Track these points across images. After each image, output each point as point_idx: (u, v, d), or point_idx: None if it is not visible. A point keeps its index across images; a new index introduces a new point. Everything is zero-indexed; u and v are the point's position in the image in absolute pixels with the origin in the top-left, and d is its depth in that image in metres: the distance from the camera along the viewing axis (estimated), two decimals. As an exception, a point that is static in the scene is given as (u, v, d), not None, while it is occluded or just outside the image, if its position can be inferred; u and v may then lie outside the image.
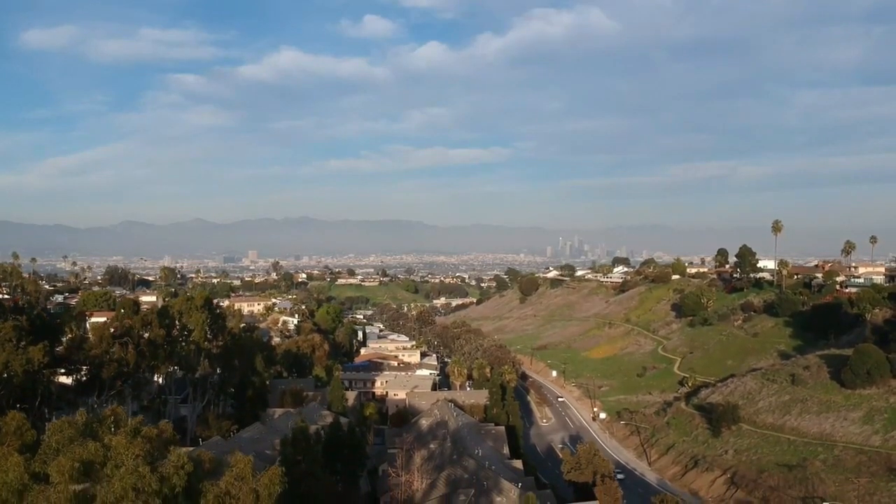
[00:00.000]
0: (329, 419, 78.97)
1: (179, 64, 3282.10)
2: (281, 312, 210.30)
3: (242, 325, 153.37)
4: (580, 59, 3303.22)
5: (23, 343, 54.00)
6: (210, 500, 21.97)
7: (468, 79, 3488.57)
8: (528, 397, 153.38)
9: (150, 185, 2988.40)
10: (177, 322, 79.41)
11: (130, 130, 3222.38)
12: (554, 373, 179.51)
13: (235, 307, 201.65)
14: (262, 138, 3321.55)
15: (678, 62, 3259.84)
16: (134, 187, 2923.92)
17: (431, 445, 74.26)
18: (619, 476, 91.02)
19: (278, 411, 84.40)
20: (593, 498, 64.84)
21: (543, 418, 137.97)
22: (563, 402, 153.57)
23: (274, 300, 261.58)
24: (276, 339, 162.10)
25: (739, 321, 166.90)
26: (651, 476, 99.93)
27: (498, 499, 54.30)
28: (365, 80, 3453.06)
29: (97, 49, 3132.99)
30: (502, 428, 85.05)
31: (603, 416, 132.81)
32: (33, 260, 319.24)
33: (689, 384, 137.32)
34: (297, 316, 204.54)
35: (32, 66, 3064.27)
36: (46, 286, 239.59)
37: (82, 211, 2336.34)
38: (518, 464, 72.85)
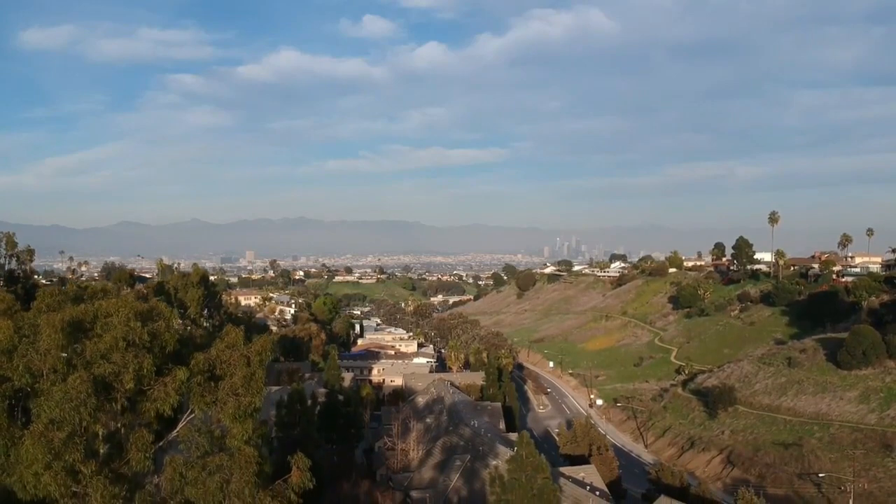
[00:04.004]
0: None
1: (178, 64, 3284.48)
2: (278, 304, 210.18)
3: (239, 315, 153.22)
4: (579, 60, 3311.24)
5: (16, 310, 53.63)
6: (200, 361, 22.01)
7: (467, 79, 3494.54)
8: (525, 386, 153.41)
9: (148, 185, 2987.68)
10: (173, 298, 79.22)
11: (128, 130, 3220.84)
12: (551, 364, 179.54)
13: (233, 299, 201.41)
14: (261, 138, 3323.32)
15: (677, 62, 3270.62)
16: (131, 187, 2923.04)
17: (428, 420, 74.34)
18: None
19: (274, 388, 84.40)
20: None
21: (540, 405, 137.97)
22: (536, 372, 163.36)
23: (271, 295, 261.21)
24: (274, 329, 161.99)
25: (736, 311, 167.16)
26: (648, 458, 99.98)
27: (494, 462, 54.24)
28: (364, 80, 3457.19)
29: (95, 49, 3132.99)
30: (498, 404, 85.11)
31: (600, 402, 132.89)
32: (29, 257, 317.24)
33: (686, 372, 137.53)
34: (294, 307, 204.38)
35: (31, 66, 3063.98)
36: (43, 281, 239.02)
37: (79, 211, 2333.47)
38: (514, 437, 72.64)
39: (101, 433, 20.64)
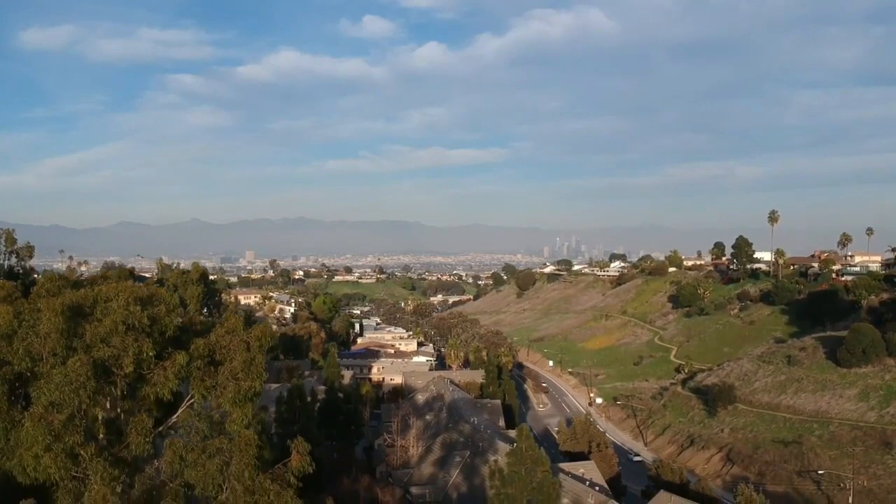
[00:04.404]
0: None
1: (178, 64, 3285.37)
2: (278, 303, 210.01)
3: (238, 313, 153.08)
4: (579, 60, 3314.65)
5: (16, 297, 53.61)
6: (200, 346, 22.01)
7: (467, 79, 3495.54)
8: (525, 385, 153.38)
9: (148, 185, 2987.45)
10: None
11: (128, 130, 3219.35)
12: (551, 363, 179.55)
13: (233, 298, 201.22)
14: (261, 138, 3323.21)
15: (677, 62, 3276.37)
16: (131, 188, 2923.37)
17: (427, 417, 74.27)
18: (637, 458, 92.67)
19: (274, 385, 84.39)
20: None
21: (540, 404, 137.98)
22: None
23: (271, 294, 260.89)
24: (274, 327, 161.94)
25: (736, 310, 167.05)
26: (647, 455, 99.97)
27: (493, 458, 54.21)
28: (364, 80, 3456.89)
29: (95, 49, 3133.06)
30: (498, 402, 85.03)
31: (599, 401, 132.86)
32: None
33: (686, 370, 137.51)
34: (293, 306, 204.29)
35: (31, 66, 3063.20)
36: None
37: (79, 211, 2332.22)
38: (513, 433, 72.68)
39: (100, 417, 20.62)
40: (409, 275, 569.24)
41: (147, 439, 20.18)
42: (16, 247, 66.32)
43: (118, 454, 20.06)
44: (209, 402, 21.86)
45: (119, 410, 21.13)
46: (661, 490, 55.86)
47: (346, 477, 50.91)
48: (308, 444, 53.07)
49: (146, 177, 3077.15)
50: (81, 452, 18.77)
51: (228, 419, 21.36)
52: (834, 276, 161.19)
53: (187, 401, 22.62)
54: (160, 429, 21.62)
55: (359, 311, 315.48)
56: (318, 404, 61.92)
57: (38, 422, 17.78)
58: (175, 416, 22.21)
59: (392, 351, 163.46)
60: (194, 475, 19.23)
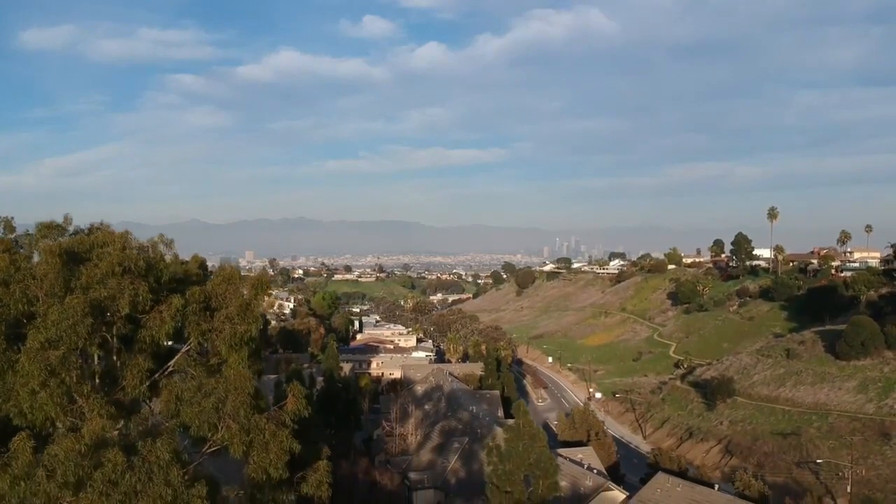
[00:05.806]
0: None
1: (178, 64, 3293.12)
2: (277, 299, 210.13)
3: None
4: (579, 60, 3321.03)
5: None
6: (196, 293, 22.12)
7: (467, 79, 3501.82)
8: (524, 381, 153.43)
9: (147, 185, 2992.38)
10: (172, 285, 78.96)
11: (128, 131, 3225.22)
12: (550, 359, 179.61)
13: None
14: (261, 139, 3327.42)
15: (677, 63, 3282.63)
16: (131, 188, 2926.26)
17: (426, 406, 74.34)
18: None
19: (272, 376, 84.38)
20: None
21: (539, 399, 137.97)
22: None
23: (271, 291, 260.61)
24: (273, 323, 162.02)
25: (735, 306, 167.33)
26: (646, 448, 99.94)
27: (491, 444, 54.16)
28: (364, 80, 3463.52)
29: (95, 49, 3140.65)
30: (497, 392, 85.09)
31: (598, 395, 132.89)
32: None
33: (685, 365, 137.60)
34: (293, 302, 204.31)
35: (30, 66, 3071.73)
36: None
37: (79, 212, 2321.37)
38: (512, 422, 72.67)
39: (97, 356, 20.71)
40: (409, 274, 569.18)
41: (143, 383, 20.27)
42: (15, 235, 66.12)
43: (114, 397, 20.11)
44: (206, 349, 21.96)
45: (115, 359, 21.23)
46: (660, 472, 55.92)
47: (345, 461, 50.92)
48: (308, 429, 52.94)
49: (146, 177, 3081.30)
50: (76, 392, 18.83)
51: (225, 365, 21.46)
52: (833, 272, 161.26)
53: (184, 348, 22.70)
54: (156, 375, 21.67)
55: (358, 310, 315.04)
56: (316, 392, 61.87)
57: (34, 357, 17.84)
58: (173, 361, 22.27)
59: (391, 346, 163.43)
60: (190, 414, 19.25)
